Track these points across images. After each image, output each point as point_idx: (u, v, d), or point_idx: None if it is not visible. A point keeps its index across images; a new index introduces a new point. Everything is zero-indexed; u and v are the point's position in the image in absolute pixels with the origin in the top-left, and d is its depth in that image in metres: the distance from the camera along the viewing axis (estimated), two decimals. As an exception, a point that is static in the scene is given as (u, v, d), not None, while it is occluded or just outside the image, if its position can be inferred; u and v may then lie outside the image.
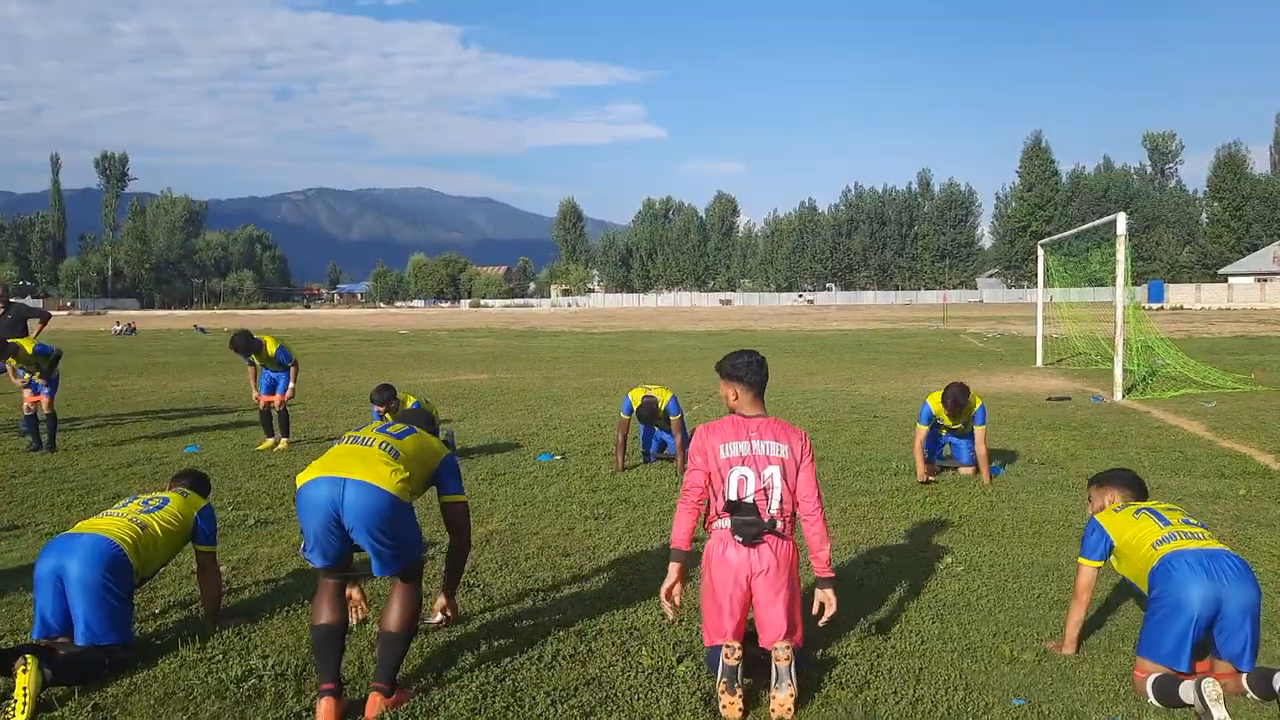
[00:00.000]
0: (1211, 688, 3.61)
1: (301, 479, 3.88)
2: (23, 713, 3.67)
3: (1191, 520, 4.30)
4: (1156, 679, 3.84)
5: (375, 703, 3.80)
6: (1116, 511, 4.45)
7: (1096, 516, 4.49)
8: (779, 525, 4.10)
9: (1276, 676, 3.77)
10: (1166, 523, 4.22)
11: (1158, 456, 9.35)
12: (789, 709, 3.73)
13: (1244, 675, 3.86)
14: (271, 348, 10.52)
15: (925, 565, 5.79)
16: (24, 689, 3.69)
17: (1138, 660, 4.02)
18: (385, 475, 3.85)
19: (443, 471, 4.29)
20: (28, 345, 10.58)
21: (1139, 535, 4.21)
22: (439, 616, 4.66)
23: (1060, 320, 24.02)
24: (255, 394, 10.73)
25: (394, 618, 3.95)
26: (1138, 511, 4.36)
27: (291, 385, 10.66)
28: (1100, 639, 4.58)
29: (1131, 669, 4.11)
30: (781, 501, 4.13)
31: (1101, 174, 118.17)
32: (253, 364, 10.66)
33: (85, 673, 4.05)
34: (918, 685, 4.07)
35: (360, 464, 3.86)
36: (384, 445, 4.01)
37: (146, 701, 3.92)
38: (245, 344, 10.43)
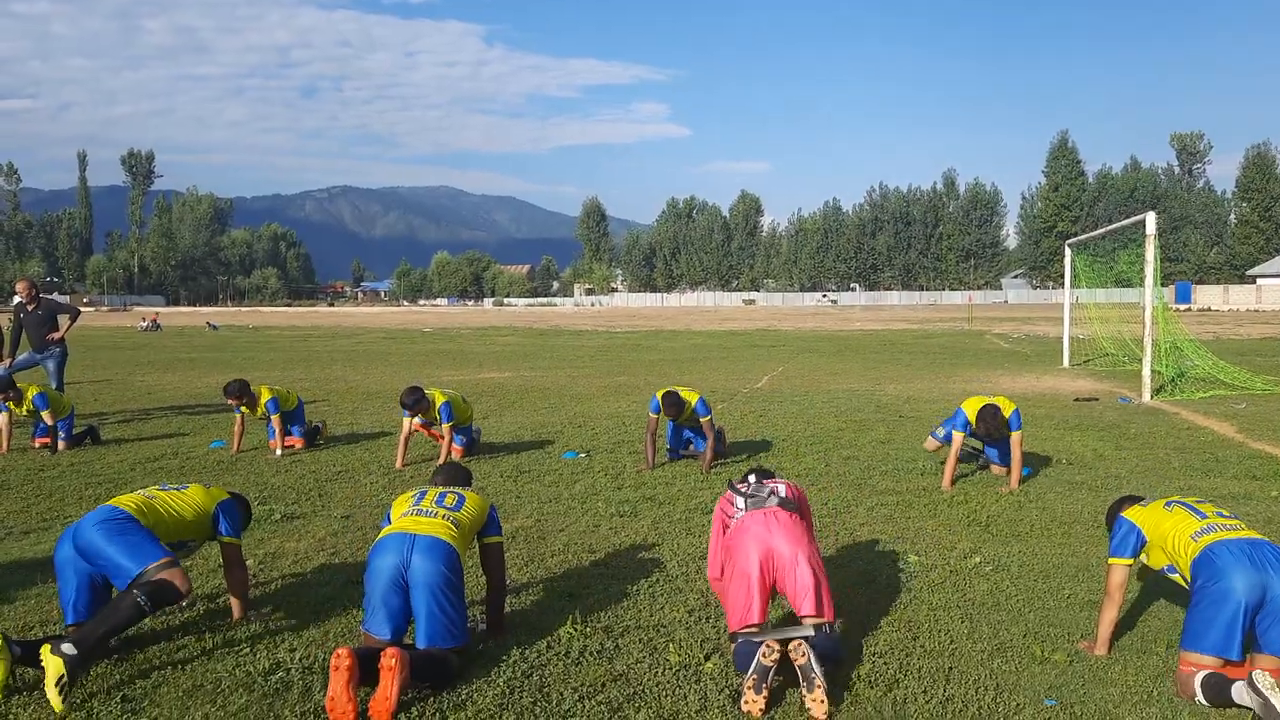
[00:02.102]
0: (1264, 678, 3.52)
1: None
2: (57, 703, 3.69)
3: (1224, 513, 4.28)
4: (1206, 676, 3.74)
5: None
6: (1144, 506, 4.44)
7: (1123, 514, 4.46)
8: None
9: None
10: (1202, 515, 4.19)
11: (1188, 458, 9.23)
12: (823, 703, 3.69)
13: None
14: (264, 398, 9.90)
15: (953, 565, 5.73)
16: (49, 679, 3.71)
17: (1183, 655, 3.93)
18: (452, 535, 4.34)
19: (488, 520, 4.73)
20: (30, 391, 10.12)
21: (1176, 527, 4.18)
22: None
23: (1087, 321, 23.79)
24: (234, 444, 10.07)
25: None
26: (1169, 504, 4.35)
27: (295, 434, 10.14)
28: (1132, 640, 4.52)
29: (1165, 670, 4.06)
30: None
31: (1129, 174, 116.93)
32: (241, 413, 10.02)
33: (120, 620, 4.05)
34: (948, 684, 4.02)
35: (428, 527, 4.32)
36: (445, 517, 4.43)
37: (174, 693, 3.93)
38: (240, 391, 9.85)
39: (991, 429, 7.87)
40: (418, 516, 4.40)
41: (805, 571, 4.13)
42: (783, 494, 4.48)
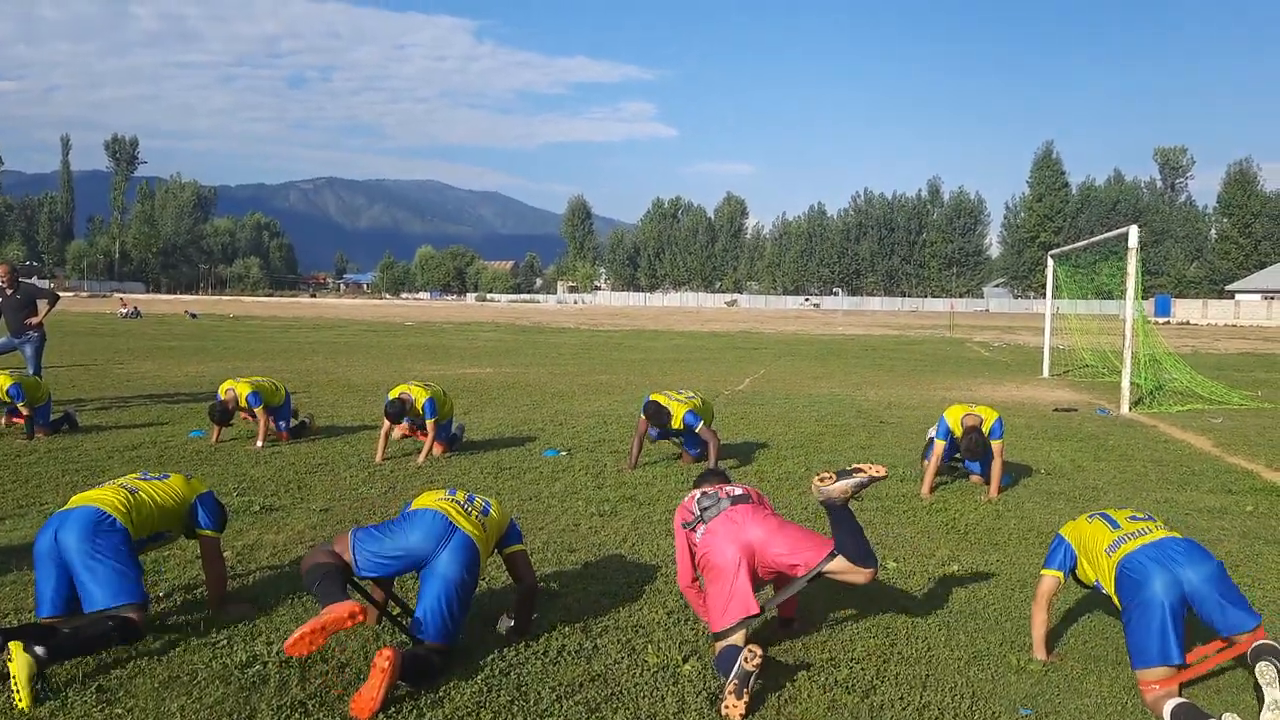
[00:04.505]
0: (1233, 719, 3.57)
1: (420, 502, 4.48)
2: (23, 699, 3.65)
3: (1139, 515, 4.39)
4: (1175, 709, 3.77)
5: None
6: (1074, 520, 4.63)
7: (1060, 529, 4.64)
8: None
9: (1259, 666, 3.77)
10: (1116, 525, 4.32)
11: (1164, 470, 9.32)
12: (879, 467, 4.28)
13: (1250, 647, 3.89)
14: (243, 391, 9.80)
15: (931, 572, 5.76)
16: (14, 676, 3.66)
17: (1138, 676, 3.98)
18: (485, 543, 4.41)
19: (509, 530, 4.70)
20: (4, 382, 9.95)
21: (1093, 540, 4.34)
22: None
23: (1068, 332, 23.98)
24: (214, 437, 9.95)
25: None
26: (1091, 516, 4.52)
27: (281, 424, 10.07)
28: (1107, 651, 4.56)
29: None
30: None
31: (1112, 186, 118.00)
32: (229, 424, 10.04)
33: (90, 644, 4.02)
34: (924, 691, 4.05)
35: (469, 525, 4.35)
36: (478, 518, 4.45)
37: (150, 684, 3.90)
38: (223, 416, 9.77)
39: (975, 451, 7.90)
40: (456, 508, 4.41)
41: (786, 538, 4.26)
42: (736, 493, 4.55)
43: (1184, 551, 4.05)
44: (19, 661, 3.68)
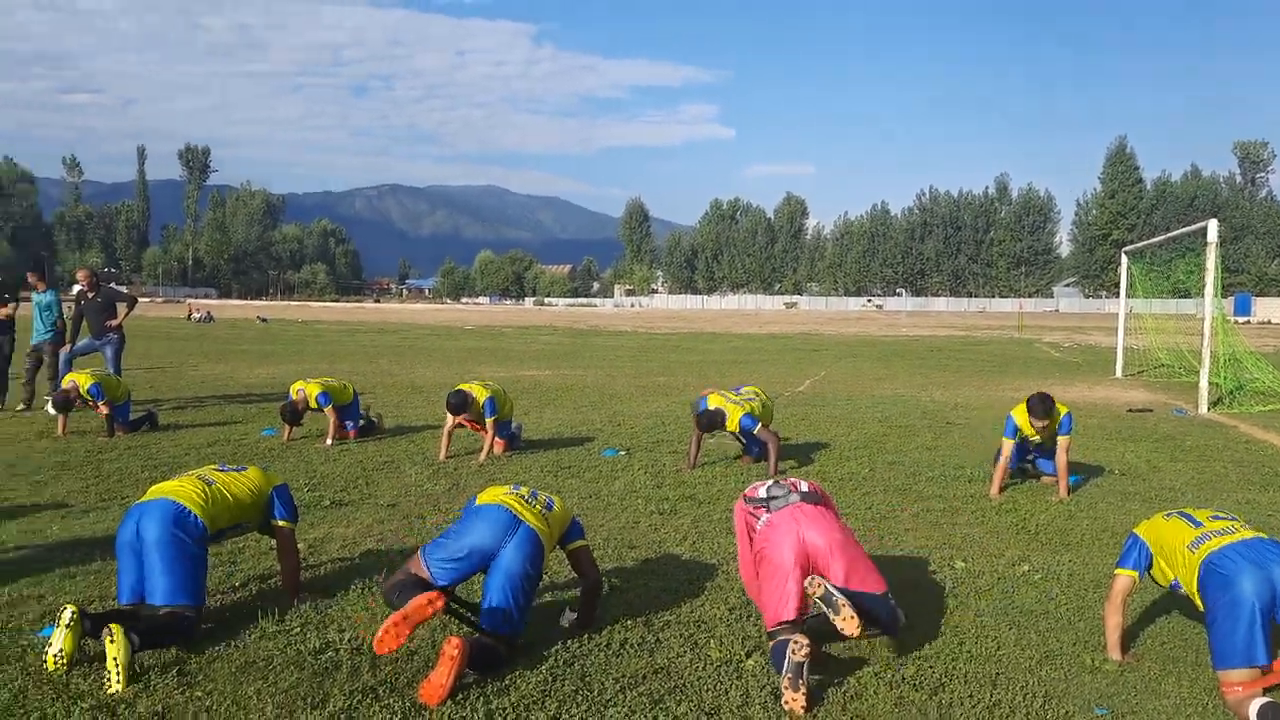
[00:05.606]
0: None
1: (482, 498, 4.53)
2: (119, 681, 3.77)
3: (1221, 515, 4.26)
4: (1262, 708, 3.64)
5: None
6: (1149, 520, 4.51)
7: (1134, 528, 4.53)
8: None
9: None
10: (1198, 523, 4.19)
11: (1245, 471, 9.02)
12: (853, 618, 3.93)
13: None
14: (313, 392, 10.08)
15: (1001, 572, 5.66)
16: (114, 659, 3.79)
17: (1220, 676, 3.86)
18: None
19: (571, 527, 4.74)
20: (83, 381, 10.28)
21: (1173, 538, 4.20)
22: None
23: (1142, 331, 23.33)
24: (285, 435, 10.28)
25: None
26: (1169, 514, 4.41)
27: (345, 425, 10.28)
28: (1186, 652, 4.43)
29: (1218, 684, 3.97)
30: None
31: (1188, 182, 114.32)
32: (300, 423, 10.35)
33: (169, 635, 4.16)
34: (994, 690, 3.98)
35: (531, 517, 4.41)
36: (541, 512, 4.49)
37: (228, 669, 4.02)
38: (293, 415, 10.11)
39: (1037, 409, 7.63)
40: (520, 502, 4.47)
41: (845, 556, 4.21)
42: (804, 489, 4.52)
43: (1276, 552, 3.91)
44: (120, 644, 3.80)
